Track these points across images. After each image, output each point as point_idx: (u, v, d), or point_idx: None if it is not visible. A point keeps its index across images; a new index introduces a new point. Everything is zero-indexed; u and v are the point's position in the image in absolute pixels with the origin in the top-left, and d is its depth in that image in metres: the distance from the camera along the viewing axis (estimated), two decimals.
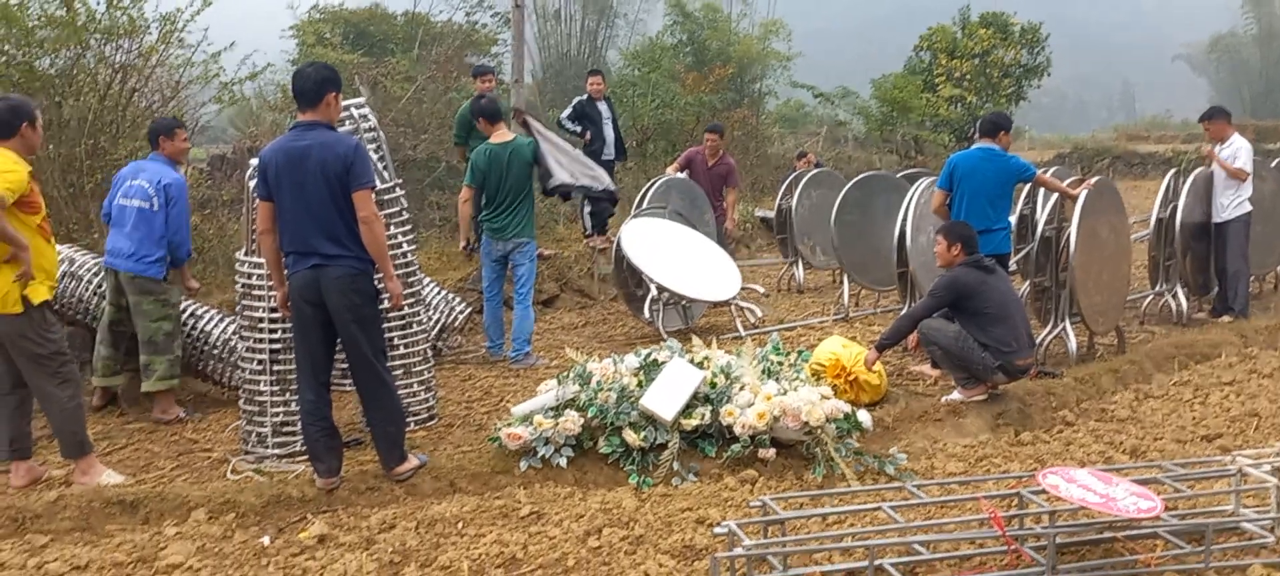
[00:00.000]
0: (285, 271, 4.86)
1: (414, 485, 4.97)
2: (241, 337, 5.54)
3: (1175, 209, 8.52)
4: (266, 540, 4.46)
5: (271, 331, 5.40)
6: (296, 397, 5.30)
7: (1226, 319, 8.47)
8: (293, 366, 5.34)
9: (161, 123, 6.49)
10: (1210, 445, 5.58)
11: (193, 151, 11.95)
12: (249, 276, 5.41)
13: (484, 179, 7.43)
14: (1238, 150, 8.44)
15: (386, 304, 5.00)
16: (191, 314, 6.69)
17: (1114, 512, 3.81)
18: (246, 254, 5.51)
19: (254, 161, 5.28)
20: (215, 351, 6.63)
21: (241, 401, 5.58)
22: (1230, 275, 8.60)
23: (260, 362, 5.43)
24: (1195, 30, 66.70)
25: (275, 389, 5.43)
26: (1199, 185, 8.63)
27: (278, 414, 5.45)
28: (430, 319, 7.44)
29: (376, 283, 4.91)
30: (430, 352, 6.27)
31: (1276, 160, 9.84)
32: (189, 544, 4.37)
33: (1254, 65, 56.13)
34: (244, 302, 5.46)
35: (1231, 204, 8.49)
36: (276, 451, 5.44)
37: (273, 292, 5.20)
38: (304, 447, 5.12)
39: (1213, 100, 59.83)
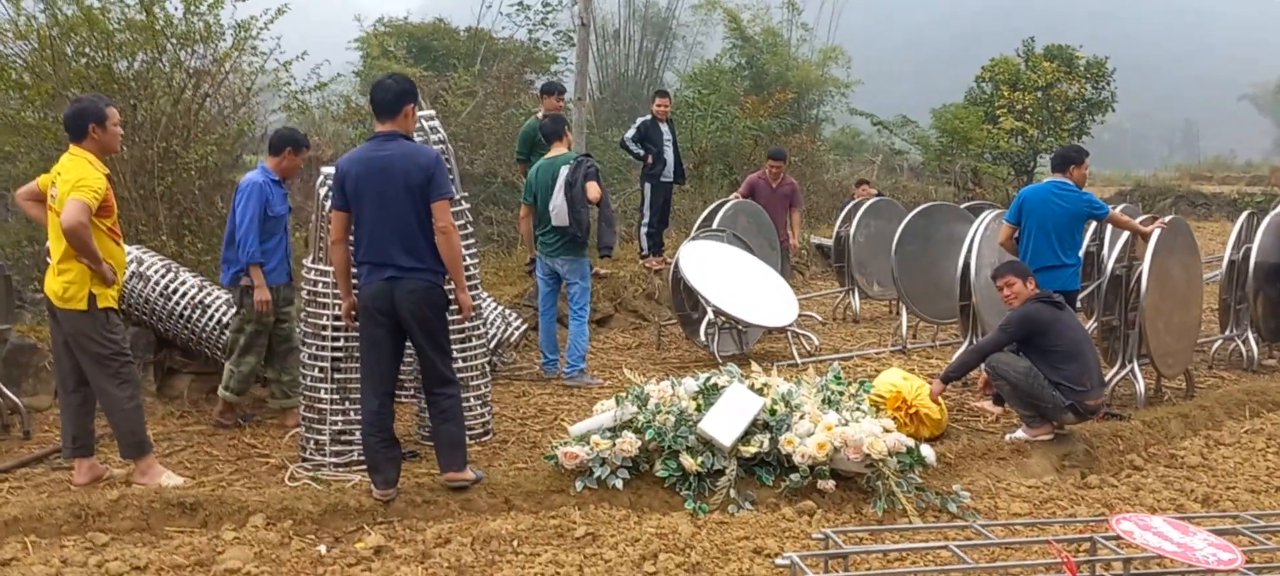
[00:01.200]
0: (356, 282, 4.90)
1: (469, 500, 4.96)
2: (304, 345, 5.58)
3: (1248, 251, 8.29)
4: (323, 548, 4.47)
5: (334, 339, 5.43)
6: (356, 407, 5.35)
7: None
8: (353, 375, 5.38)
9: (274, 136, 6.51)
10: None
11: (254, 160, 12.16)
12: (315, 283, 5.45)
13: (536, 193, 7.53)
14: None
15: (456, 314, 5.03)
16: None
17: (1192, 562, 3.68)
18: (313, 261, 5.55)
19: (326, 170, 5.35)
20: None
21: (301, 408, 5.62)
22: None
23: (321, 370, 5.46)
24: (1262, 71, 65.40)
25: (335, 397, 5.46)
26: (1275, 226, 8.39)
27: (336, 422, 5.48)
28: (487, 334, 7.44)
29: (448, 293, 4.96)
30: (487, 367, 6.27)
31: None
32: (247, 549, 4.39)
33: None
34: (308, 309, 5.51)
35: None
36: (334, 459, 5.46)
37: (339, 301, 5.25)
38: (362, 457, 5.15)
39: (1278, 143, 58.59)
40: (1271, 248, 8.35)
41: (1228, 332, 8.54)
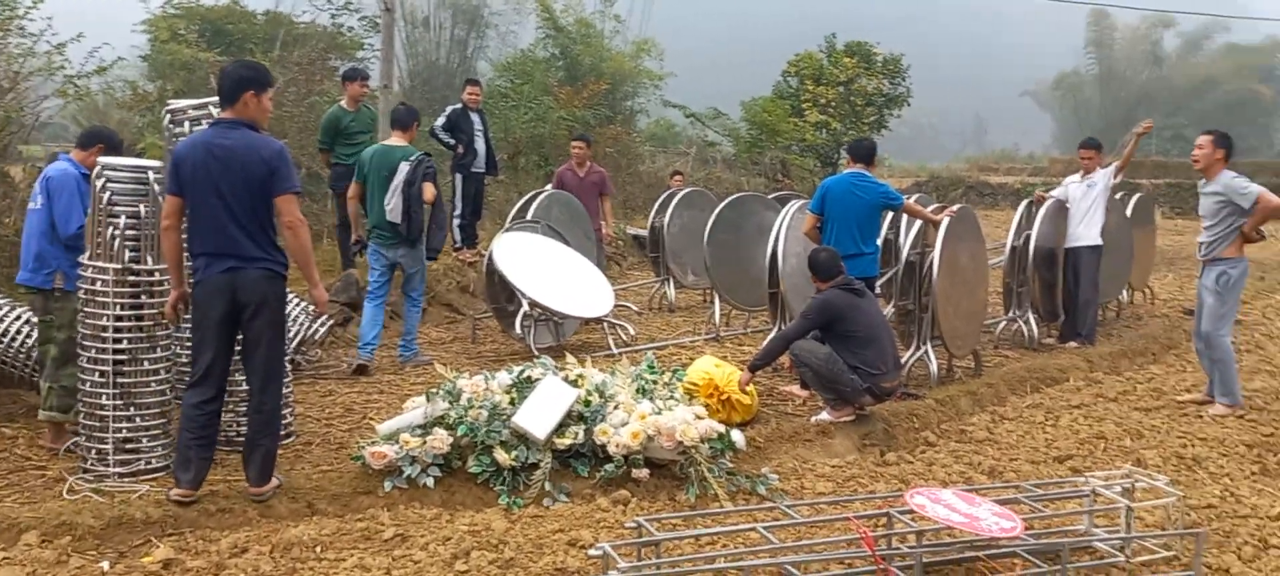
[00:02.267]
0: (192, 273, 4.61)
1: (269, 506, 4.72)
2: (82, 348, 5.15)
3: (1028, 237, 8.90)
4: (106, 565, 4.15)
5: (116, 341, 5.03)
6: (142, 412, 5.03)
7: (1073, 344, 8.86)
8: (137, 380, 5.04)
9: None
10: (1062, 465, 5.82)
11: (30, 149, 11.20)
12: (93, 282, 5.04)
13: (366, 177, 7.63)
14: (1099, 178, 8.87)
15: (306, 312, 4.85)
16: (26, 321, 6.21)
17: (978, 532, 3.91)
18: (89, 258, 5.13)
19: (102, 160, 5.03)
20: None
21: (81, 416, 5.19)
22: (1081, 303, 8.96)
23: (103, 375, 5.05)
24: (1042, 68, 70.65)
25: (119, 403, 5.07)
26: (1051, 214, 9.03)
27: (121, 429, 5.09)
28: (289, 331, 7.13)
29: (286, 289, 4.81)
30: (288, 366, 5.99)
31: (1120, 193, 10.38)
32: (18, 570, 4.03)
33: (1095, 103, 59.87)
34: (86, 310, 5.08)
35: (1087, 233, 8.85)
36: (119, 470, 5.07)
37: (119, 301, 4.89)
38: (148, 465, 4.88)
39: (1057, 136, 63.46)
40: (1048, 234, 8.99)
41: (1011, 314, 9.15)
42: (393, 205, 7.39)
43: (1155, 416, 6.86)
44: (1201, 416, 6.80)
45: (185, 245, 4.77)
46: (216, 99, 4.93)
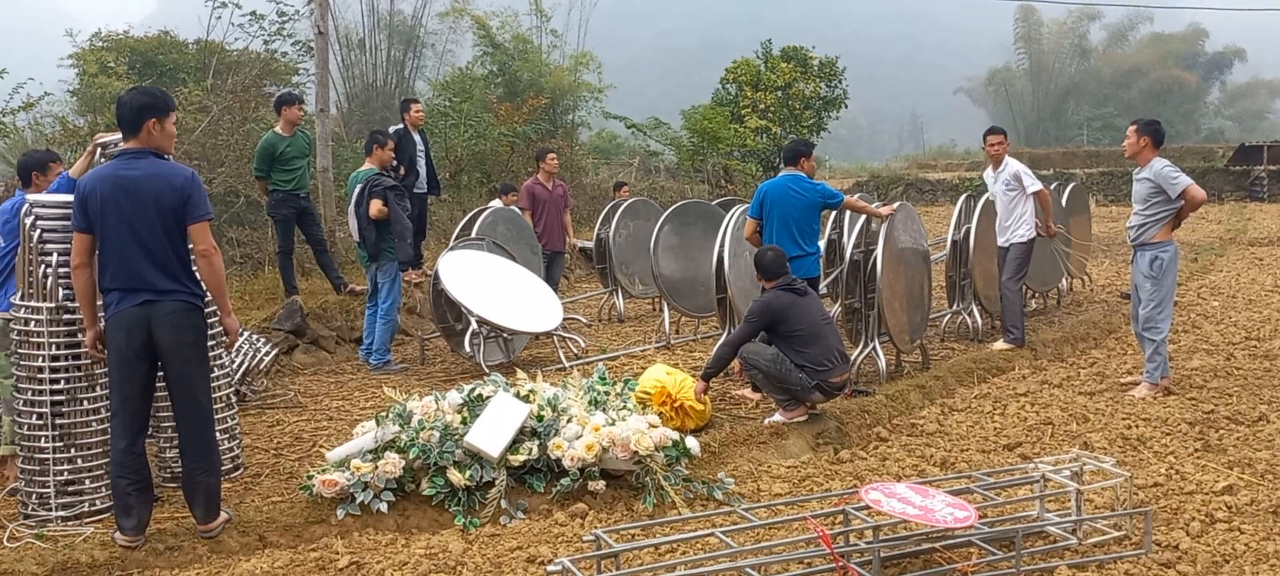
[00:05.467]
0: (104, 309, 4.47)
1: (219, 542, 4.62)
2: (17, 391, 5.01)
3: (969, 231, 9.03)
4: None
5: (53, 382, 4.90)
6: (83, 453, 4.89)
7: (1000, 345, 8.52)
8: (77, 420, 4.91)
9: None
10: (1011, 453, 5.90)
11: None
12: (26, 322, 4.90)
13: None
14: (1019, 172, 8.76)
15: (218, 343, 4.72)
16: None
17: (933, 523, 3.95)
18: (22, 298, 4.99)
19: (31, 197, 4.89)
20: None
21: (19, 460, 5.04)
22: (1003, 300, 8.69)
23: (41, 416, 4.92)
24: (973, 65, 71.99)
25: (59, 445, 4.93)
26: (991, 208, 9.14)
27: (62, 472, 4.94)
28: (234, 361, 7.00)
29: (210, 318, 4.67)
30: (234, 397, 5.88)
31: (1055, 183, 10.59)
32: None
33: (1027, 98, 61.11)
34: (21, 351, 4.95)
35: (1017, 228, 8.62)
36: (61, 513, 4.93)
37: (55, 340, 4.77)
38: (92, 507, 4.73)
39: None
40: (989, 228, 9.11)
41: (955, 307, 9.27)
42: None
43: (1099, 400, 6.99)
44: (1139, 399, 6.93)
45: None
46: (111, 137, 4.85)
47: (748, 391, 7.01)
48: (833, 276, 7.81)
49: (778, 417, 6.29)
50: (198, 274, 4.62)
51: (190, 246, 4.56)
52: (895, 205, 7.64)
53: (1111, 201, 25.93)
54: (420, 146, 10.59)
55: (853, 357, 7.40)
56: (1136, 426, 6.27)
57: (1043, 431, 6.31)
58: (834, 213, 7.80)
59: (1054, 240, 9.28)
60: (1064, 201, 10.83)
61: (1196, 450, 5.75)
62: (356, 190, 8.18)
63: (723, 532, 4.19)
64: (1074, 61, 60.83)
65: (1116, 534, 4.40)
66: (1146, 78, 57.98)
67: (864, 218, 7.62)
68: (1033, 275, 9.63)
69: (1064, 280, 11.05)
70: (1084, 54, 61.21)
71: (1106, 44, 62.62)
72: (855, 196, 8.72)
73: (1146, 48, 61.47)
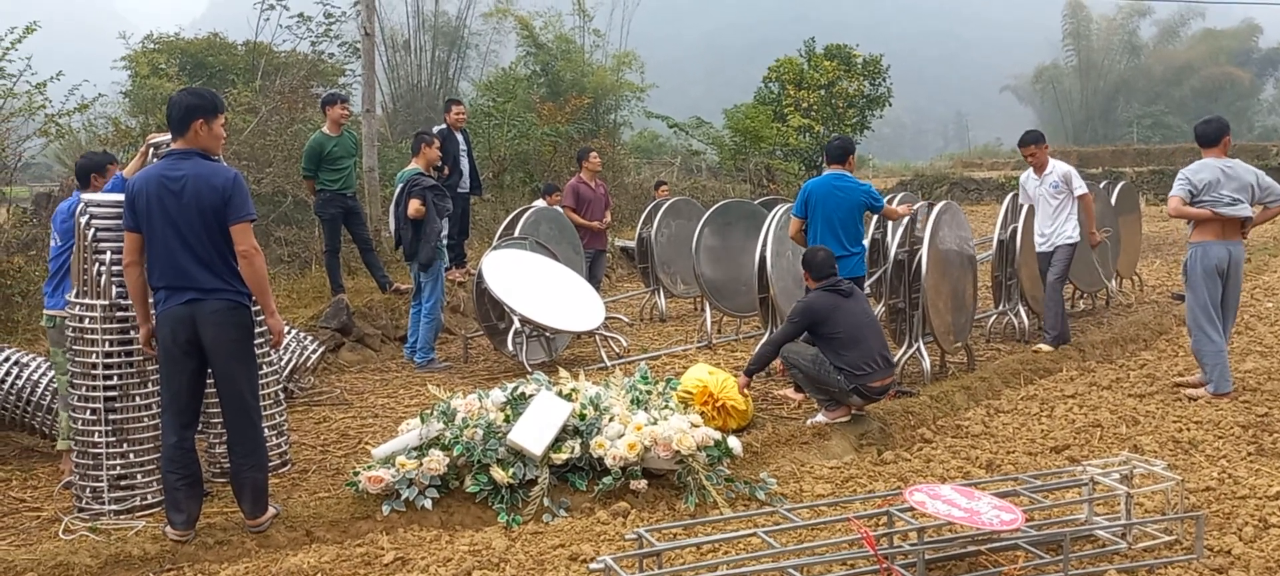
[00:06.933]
0: (154, 307, 4.56)
1: (267, 537, 4.69)
2: (73, 386, 5.13)
3: (1015, 231, 8.92)
4: None
5: (106, 377, 5.01)
6: (135, 448, 4.99)
7: (1042, 346, 8.34)
8: (129, 416, 5.01)
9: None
10: (1059, 456, 5.82)
11: (14, 190, 11.15)
12: (81, 319, 5.02)
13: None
14: (1069, 173, 8.64)
15: (265, 342, 4.78)
16: (16, 362, 6.20)
17: (979, 526, 3.90)
18: (77, 295, 5.11)
19: (86, 197, 5.01)
20: (43, 401, 6.14)
21: (74, 455, 5.15)
22: (1046, 304, 8.50)
23: (94, 412, 5.03)
24: (1020, 62, 71.00)
25: (112, 440, 5.04)
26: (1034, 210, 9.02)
27: (114, 466, 5.05)
28: (282, 359, 7.11)
29: (255, 316, 4.72)
30: (282, 394, 5.97)
31: (1104, 182, 10.42)
32: None
33: (1075, 95, 60.10)
34: (76, 348, 5.06)
35: (1064, 228, 8.41)
36: (114, 507, 5.04)
37: (108, 337, 4.87)
38: (144, 502, 4.81)
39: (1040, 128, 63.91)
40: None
41: (1000, 307, 9.16)
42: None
43: (1149, 402, 6.87)
44: (1194, 400, 6.81)
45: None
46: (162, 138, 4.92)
47: (790, 391, 6.98)
48: (877, 276, 7.75)
49: (820, 418, 6.26)
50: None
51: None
52: (939, 205, 7.56)
53: (1161, 200, 25.47)
54: (463, 146, 10.68)
55: (897, 358, 7.34)
56: (1188, 429, 6.15)
57: (1091, 434, 6.21)
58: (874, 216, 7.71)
59: (1096, 250, 9.09)
60: (1114, 200, 10.66)
61: (1250, 454, 5.63)
62: (398, 189, 8.32)
63: (765, 533, 4.18)
64: (1124, 58, 59.78)
65: (1167, 538, 4.32)
66: (1198, 75, 56.84)
67: (908, 217, 7.55)
68: (1080, 276, 9.49)
69: (1112, 282, 10.87)
70: (1134, 50, 60.13)
71: (1157, 40, 61.49)
72: (898, 198, 8.63)
73: (1198, 44, 60.26)
